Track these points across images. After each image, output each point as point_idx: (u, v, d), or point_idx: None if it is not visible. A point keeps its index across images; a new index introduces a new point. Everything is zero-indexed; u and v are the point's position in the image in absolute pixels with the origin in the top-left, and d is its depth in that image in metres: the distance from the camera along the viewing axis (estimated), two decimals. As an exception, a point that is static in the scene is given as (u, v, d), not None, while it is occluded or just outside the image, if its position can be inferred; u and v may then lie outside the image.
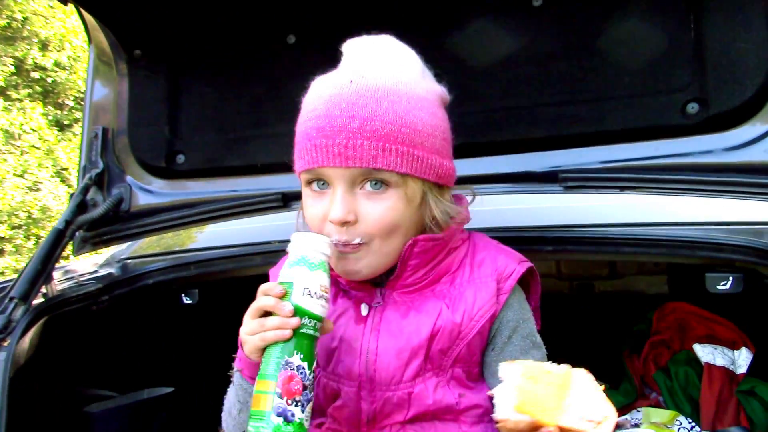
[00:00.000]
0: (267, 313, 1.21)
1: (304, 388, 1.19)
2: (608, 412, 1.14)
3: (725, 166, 1.66)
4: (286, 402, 1.16)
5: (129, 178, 2.18)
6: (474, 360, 1.42)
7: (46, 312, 1.87)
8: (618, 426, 1.67)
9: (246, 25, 2.03)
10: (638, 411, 1.88)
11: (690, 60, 1.68)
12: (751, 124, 1.64)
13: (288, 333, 1.18)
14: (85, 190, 2.14)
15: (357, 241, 1.30)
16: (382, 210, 1.29)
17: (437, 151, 1.33)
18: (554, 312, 2.59)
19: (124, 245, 2.52)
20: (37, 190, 14.09)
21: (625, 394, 2.32)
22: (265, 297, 1.21)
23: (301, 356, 1.19)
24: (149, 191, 2.17)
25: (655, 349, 2.39)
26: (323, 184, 1.32)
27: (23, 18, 15.15)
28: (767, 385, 2.09)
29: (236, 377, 1.42)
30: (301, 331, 1.19)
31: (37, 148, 14.71)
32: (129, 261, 2.38)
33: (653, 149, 1.73)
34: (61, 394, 2.03)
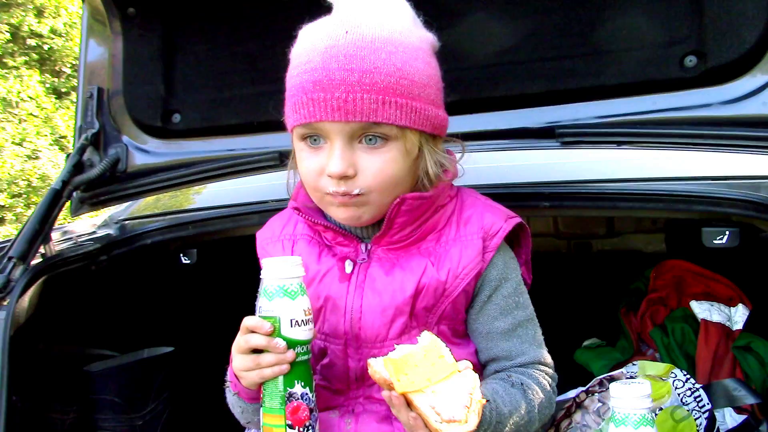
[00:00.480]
0: (262, 349, 1.23)
1: (311, 411, 1.25)
2: (461, 417, 1.11)
3: (723, 119, 1.65)
4: (298, 430, 1.22)
5: (125, 138, 2.17)
6: (459, 318, 1.43)
7: (45, 272, 1.88)
8: (613, 378, 1.69)
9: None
10: (634, 364, 1.90)
11: (687, 12, 1.66)
12: (750, 76, 1.63)
13: (286, 368, 1.22)
14: (82, 150, 2.13)
15: (356, 191, 1.30)
16: (381, 163, 1.29)
17: (432, 102, 1.32)
18: (552, 270, 2.61)
19: (122, 206, 2.52)
20: (36, 158, 14.07)
21: (622, 351, 2.34)
22: (254, 335, 1.22)
23: (302, 383, 1.24)
24: (146, 151, 2.16)
25: (652, 306, 2.40)
26: (319, 138, 1.30)
27: (18, -16, 15.01)
28: (763, 340, 2.10)
29: (230, 394, 1.43)
30: (297, 360, 1.22)
31: (35, 116, 14.66)
32: (127, 222, 2.38)
33: (651, 103, 1.72)
34: (61, 353, 2.04)
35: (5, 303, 1.73)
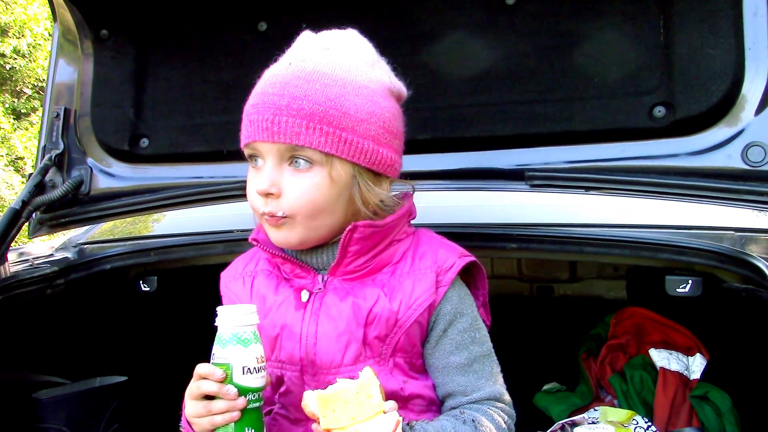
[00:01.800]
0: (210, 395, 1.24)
1: None
2: None
3: (690, 170, 1.69)
4: None
5: (90, 161, 2.14)
6: (415, 351, 1.44)
7: (-1, 293, 1.82)
8: (575, 423, 1.69)
9: (217, 10, 2.01)
10: (595, 410, 1.90)
11: (658, 64, 1.70)
12: (717, 129, 1.67)
13: (237, 415, 1.23)
14: (44, 170, 2.09)
15: (280, 214, 1.34)
16: (304, 186, 1.33)
17: (372, 138, 1.35)
18: (514, 313, 2.61)
19: (82, 229, 2.47)
20: (-11, 179, 13.79)
21: (581, 396, 2.34)
22: (205, 382, 1.24)
23: (253, 431, 1.25)
24: (110, 174, 2.13)
25: (612, 352, 2.41)
26: (258, 159, 1.37)
27: (-17, 3, 14.86)
28: (720, 390, 2.12)
29: None
30: (248, 407, 1.23)
31: (-7, 136, 14.41)
32: (86, 245, 2.33)
33: (619, 151, 1.75)
34: (11, 378, 1.97)
35: (-45, 325, 1.67)
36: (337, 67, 1.34)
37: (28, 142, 14.45)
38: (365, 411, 1.19)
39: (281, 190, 1.33)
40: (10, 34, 15.22)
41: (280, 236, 1.39)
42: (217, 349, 1.25)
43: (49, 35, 15.96)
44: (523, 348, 2.57)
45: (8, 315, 1.86)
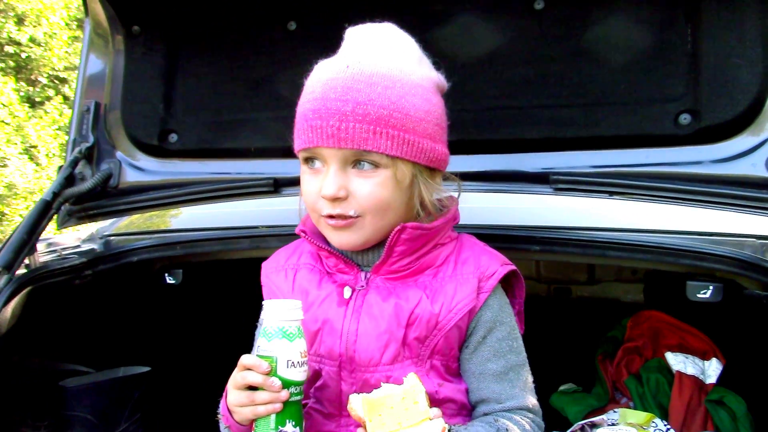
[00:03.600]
0: (257, 387, 1.27)
1: None
2: None
3: (713, 177, 1.71)
4: None
5: (119, 154, 2.17)
6: (452, 354, 1.45)
7: (29, 283, 1.86)
8: (595, 425, 1.71)
9: (248, 9, 2.04)
10: (615, 411, 1.92)
11: (685, 71, 1.72)
12: (741, 138, 1.69)
13: (279, 407, 1.26)
14: (74, 163, 2.12)
15: (351, 213, 1.36)
16: (371, 187, 1.35)
17: (429, 136, 1.37)
18: (531, 314, 2.62)
19: (109, 221, 2.50)
20: (4, 166, 13.85)
21: (597, 398, 2.36)
22: (251, 373, 1.27)
23: (293, 423, 1.28)
24: (139, 168, 2.16)
25: (628, 355, 2.43)
26: (318, 162, 1.38)
27: (0, -9, 14.92)
28: (735, 395, 2.14)
29: (222, 428, 1.45)
30: (290, 400, 1.26)
31: (7, 123, 14.46)
32: (113, 237, 2.36)
33: (644, 157, 1.77)
34: (37, 366, 2.01)
35: (-12, 312, 1.70)
36: (393, 66, 1.35)
37: (42, 130, 14.52)
38: (411, 417, 1.21)
39: (349, 191, 1.35)
40: (26, 23, 15.28)
41: (343, 238, 1.40)
42: (262, 342, 1.27)
43: (66, 24, 16.02)
44: (539, 349, 2.57)
45: (37, 304, 1.89)
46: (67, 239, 2.29)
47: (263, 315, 1.30)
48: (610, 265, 2.58)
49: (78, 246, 2.22)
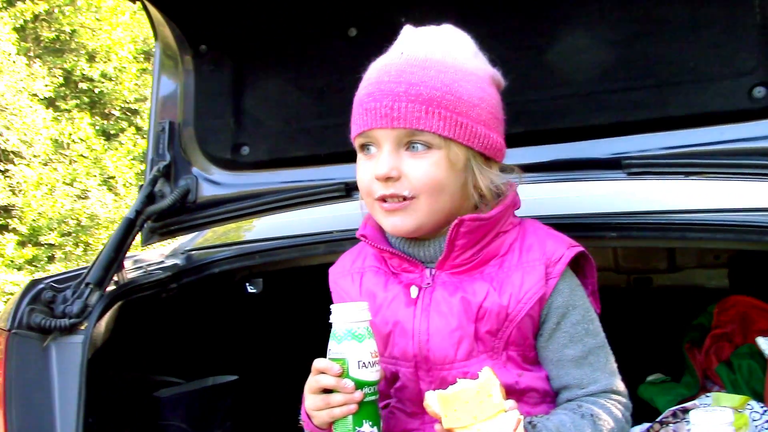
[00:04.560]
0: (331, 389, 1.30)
1: None
2: None
3: (793, 150, 1.65)
4: None
5: (195, 170, 2.23)
6: (528, 343, 1.44)
7: (120, 298, 1.93)
8: (687, 410, 1.67)
9: (308, 19, 2.09)
10: (707, 396, 1.88)
11: (756, 43, 1.68)
12: (821, 106, 1.63)
13: (354, 407, 1.28)
14: (154, 181, 2.19)
15: (405, 193, 1.37)
16: (425, 167, 1.36)
17: (484, 122, 1.38)
18: (612, 305, 2.58)
19: (189, 236, 2.58)
20: (86, 198, 14.40)
21: (687, 387, 2.30)
22: (324, 376, 1.29)
23: (370, 423, 1.30)
24: (215, 182, 2.22)
25: (717, 342, 2.36)
26: (373, 147, 1.40)
27: (71, 31, 15.54)
28: (833, 377, 2.06)
29: None
30: (365, 400, 1.28)
31: (85, 157, 15.04)
32: (194, 252, 2.43)
33: (718, 134, 1.73)
34: (131, 378, 2.08)
35: (83, 327, 1.78)
36: (447, 54, 1.38)
37: (118, 161, 15.03)
38: (486, 410, 1.21)
39: (402, 172, 1.36)
40: (97, 59, 15.87)
41: (397, 222, 1.40)
42: (332, 345, 1.30)
43: (134, 58, 16.59)
44: (624, 340, 2.53)
45: (129, 318, 1.97)
46: (152, 255, 2.37)
47: (332, 318, 1.32)
48: (691, 248, 2.52)
49: (162, 261, 2.30)
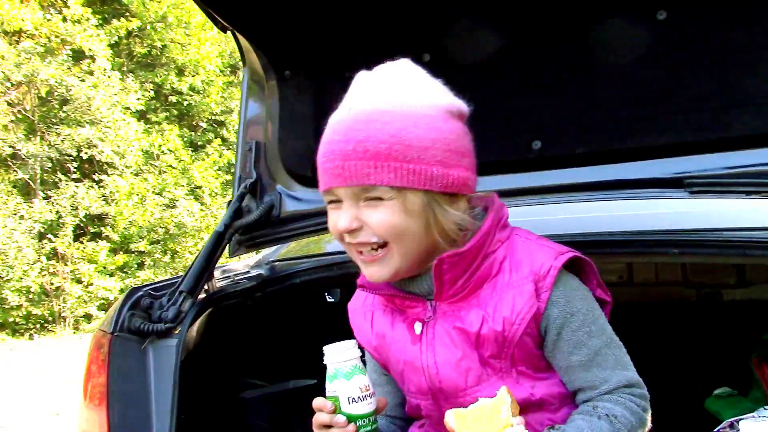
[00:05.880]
0: (329, 425, 1.40)
1: None
2: None
3: None
4: None
5: (279, 187, 2.39)
6: (535, 356, 1.48)
7: (210, 305, 2.11)
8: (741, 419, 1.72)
9: (385, 44, 2.21)
10: (765, 408, 1.91)
11: (818, 65, 1.72)
12: None
13: None
14: (241, 197, 2.36)
15: (373, 240, 1.41)
16: (382, 216, 1.38)
17: (440, 162, 1.38)
18: (681, 319, 2.61)
19: (273, 248, 2.75)
20: (174, 207, 14.95)
21: (755, 401, 2.32)
22: (320, 414, 1.40)
23: None
24: (297, 198, 2.37)
25: (787, 357, 2.38)
26: (337, 201, 1.44)
27: (162, 46, 16.19)
28: None
29: None
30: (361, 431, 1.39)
31: (174, 167, 15.62)
32: (277, 262, 2.60)
33: (778, 155, 1.77)
34: (219, 379, 2.25)
35: (177, 332, 1.96)
36: (392, 102, 1.38)
37: (204, 171, 15.54)
38: (494, 426, 1.30)
39: (363, 222, 1.40)
40: (186, 73, 16.47)
41: (373, 271, 1.45)
42: (327, 384, 1.41)
43: (220, 72, 17.16)
44: (693, 353, 2.57)
45: (216, 324, 2.14)
46: (239, 266, 2.55)
47: (324, 359, 1.42)
48: (755, 264, 2.53)
49: (248, 271, 2.47)
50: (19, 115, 14.16)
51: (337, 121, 1.43)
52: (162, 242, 14.91)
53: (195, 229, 14.88)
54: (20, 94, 14.13)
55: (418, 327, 1.51)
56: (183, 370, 1.90)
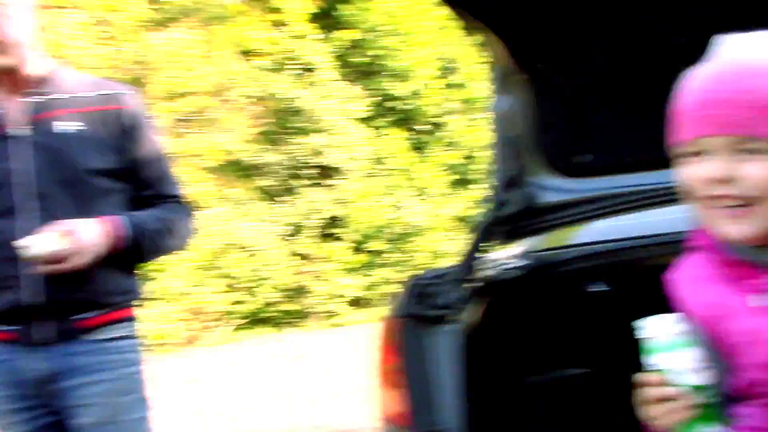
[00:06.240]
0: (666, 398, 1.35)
1: None
2: None
3: None
4: None
5: (536, 178, 2.45)
6: None
7: (481, 293, 2.23)
8: None
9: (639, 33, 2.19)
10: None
11: None
12: None
13: (693, 412, 1.33)
14: (500, 190, 2.45)
15: (745, 194, 1.33)
16: (761, 170, 1.32)
17: None
18: None
19: (530, 239, 2.79)
20: (401, 208, 15.46)
21: None
22: (655, 389, 1.34)
23: (709, 426, 1.34)
24: (555, 189, 2.42)
25: None
26: (696, 153, 1.37)
27: (382, 54, 16.80)
28: None
29: None
30: (698, 404, 1.33)
31: (400, 170, 16.15)
32: (540, 252, 2.63)
33: None
34: (498, 364, 2.36)
35: (456, 318, 2.10)
36: None
37: (426, 173, 15.94)
38: None
39: (735, 176, 1.33)
40: (405, 78, 16.97)
41: (737, 228, 1.36)
42: (650, 358, 1.36)
43: (438, 75, 17.44)
44: None
45: (488, 311, 2.25)
46: (502, 255, 2.60)
47: (647, 332, 1.37)
48: None
49: (512, 261, 2.53)
50: (261, 128, 15.34)
51: (712, 72, 1.39)
52: (395, 241, 15.45)
53: (426, 227, 15.27)
54: (258, 108, 15.32)
55: (756, 300, 1.40)
56: (465, 354, 2.05)
